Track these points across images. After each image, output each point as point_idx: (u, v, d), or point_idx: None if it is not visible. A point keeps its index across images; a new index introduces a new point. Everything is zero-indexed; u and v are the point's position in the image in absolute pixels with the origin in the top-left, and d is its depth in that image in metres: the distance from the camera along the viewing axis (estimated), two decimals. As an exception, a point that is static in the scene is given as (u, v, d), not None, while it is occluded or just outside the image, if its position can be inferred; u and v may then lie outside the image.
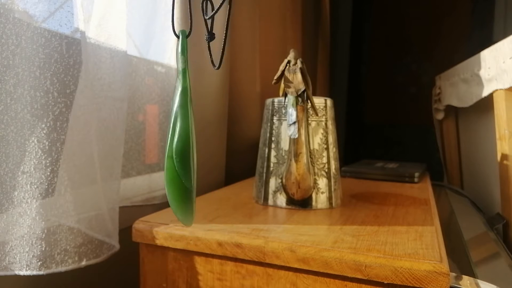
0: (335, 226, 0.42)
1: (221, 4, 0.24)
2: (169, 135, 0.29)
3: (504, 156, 0.66)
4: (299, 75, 0.46)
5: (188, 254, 0.41)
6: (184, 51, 0.31)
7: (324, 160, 0.51)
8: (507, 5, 1.45)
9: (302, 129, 0.46)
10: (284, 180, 0.48)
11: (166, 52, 0.69)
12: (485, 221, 0.70)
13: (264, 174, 0.52)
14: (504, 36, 0.64)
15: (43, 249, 0.40)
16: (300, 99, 0.46)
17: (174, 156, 0.29)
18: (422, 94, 1.60)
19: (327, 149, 0.51)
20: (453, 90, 0.93)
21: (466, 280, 0.39)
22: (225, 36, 0.25)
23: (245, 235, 0.38)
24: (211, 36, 0.25)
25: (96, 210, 0.46)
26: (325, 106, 0.52)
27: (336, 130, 0.54)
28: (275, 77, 0.48)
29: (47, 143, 0.40)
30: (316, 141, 0.51)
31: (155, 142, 0.67)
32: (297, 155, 0.46)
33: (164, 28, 0.67)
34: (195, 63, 0.65)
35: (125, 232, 0.56)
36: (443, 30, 1.57)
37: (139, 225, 0.42)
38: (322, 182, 0.50)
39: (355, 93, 1.71)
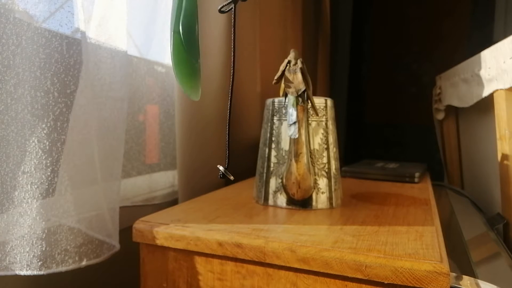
0: (335, 226, 0.42)
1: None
2: (175, 11, 0.29)
3: (505, 156, 0.66)
4: (299, 75, 0.46)
5: (189, 254, 0.41)
6: None
7: (325, 160, 0.51)
8: (508, 6, 1.45)
9: (303, 129, 0.46)
10: (284, 180, 0.48)
11: (167, 52, 0.69)
12: (485, 221, 0.70)
13: (265, 174, 0.52)
14: (505, 36, 0.64)
15: (44, 249, 0.40)
16: (300, 99, 0.46)
17: (181, 32, 0.29)
18: (422, 94, 1.60)
19: (327, 149, 0.51)
20: (453, 90, 0.93)
21: (466, 280, 0.39)
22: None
23: (246, 235, 0.38)
24: None
25: (97, 210, 0.46)
26: (326, 106, 0.52)
27: (337, 130, 0.54)
28: (276, 77, 0.48)
29: (47, 143, 0.40)
30: (317, 141, 0.51)
31: (156, 142, 0.67)
32: (297, 155, 0.46)
33: (164, 28, 0.68)
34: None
35: (125, 232, 0.56)
36: (444, 30, 1.57)
37: (139, 225, 0.42)
38: (322, 182, 0.50)
39: (356, 93, 1.71)
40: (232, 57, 0.24)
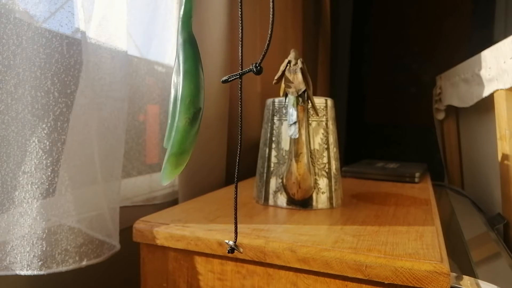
0: (335, 226, 0.42)
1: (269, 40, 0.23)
2: (179, 103, 0.27)
3: (505, 156, 0.66)
4: (299, 75, 0.46)
5: (189, 254, 0.41)
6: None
7: (325, 160, 0.51)
8: (508, 6, 1.45)
9: (303, 129, 0.46)
10: (284, 180, 0.48)
11: (167, 52, 0.69)
12: (485, 221, 0.70)
13: (265, 174, 0.52)
14: (505, 36, 0.64)
15: (44, 249, 0.40)
16: (300, 99, 0.46)
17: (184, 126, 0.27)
18: (422, 94, 1.60)
19: (327, 149, 0.51)
20: (453, 90, 0.93)
21: (466, 280, 0.39)
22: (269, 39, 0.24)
23: (246, 235, 0.38)
24: (259, 69, 0.24)
25: (97, 210, 0.46)
26: (326, 106, 0.52)
27: (337, 130, 0.54)
28: (276, 77, 0.48)
29: (48, 143, 0.40)
30: (317, 141, 0.51)
31: (156, 142, 0.67)
32: (297, 155, 0.46)
33: (164, 28, 0.68)
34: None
35: (125, 232, 0.56)
36: (444, 30, 1.57)
37: (139, 225, 0.42)
38: (322, 182, 0.50)
39: (356, 93, 1.71)
40: (240, 108, 0.23)
